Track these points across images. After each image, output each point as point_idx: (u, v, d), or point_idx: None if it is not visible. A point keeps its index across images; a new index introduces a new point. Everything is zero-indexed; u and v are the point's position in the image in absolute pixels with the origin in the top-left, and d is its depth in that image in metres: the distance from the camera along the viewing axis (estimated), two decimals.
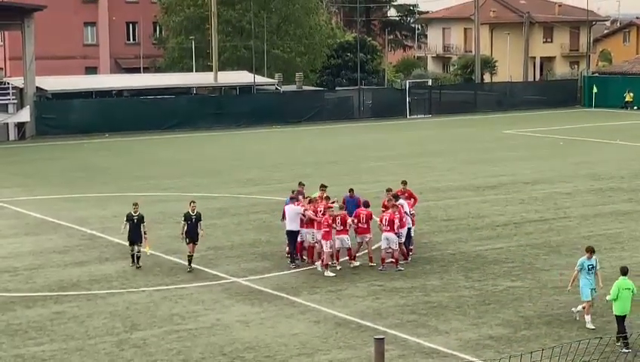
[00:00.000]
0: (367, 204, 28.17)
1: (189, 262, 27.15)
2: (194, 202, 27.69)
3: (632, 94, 79.48)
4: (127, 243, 27.95)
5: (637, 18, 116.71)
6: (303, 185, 30.05)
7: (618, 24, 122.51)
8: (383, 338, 11.62)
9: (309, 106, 72.74)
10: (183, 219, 27.40)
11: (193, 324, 22.29)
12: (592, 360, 17.64)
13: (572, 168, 46.25)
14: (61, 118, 64.02)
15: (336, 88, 79.19)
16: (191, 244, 27.06)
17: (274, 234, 31.31)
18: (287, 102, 72.23)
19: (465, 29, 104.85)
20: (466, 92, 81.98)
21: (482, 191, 40.08)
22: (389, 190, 28.96)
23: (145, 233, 27.47)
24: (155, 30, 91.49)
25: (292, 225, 27.49)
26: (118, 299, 24.55)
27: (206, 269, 27.33)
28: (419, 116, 75.27)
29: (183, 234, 27.27)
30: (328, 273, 26.45)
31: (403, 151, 54.27)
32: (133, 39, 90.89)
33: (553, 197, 38.15)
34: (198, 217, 27.26)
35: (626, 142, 56.90)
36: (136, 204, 27.88)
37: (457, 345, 20.58)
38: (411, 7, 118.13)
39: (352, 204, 28.44)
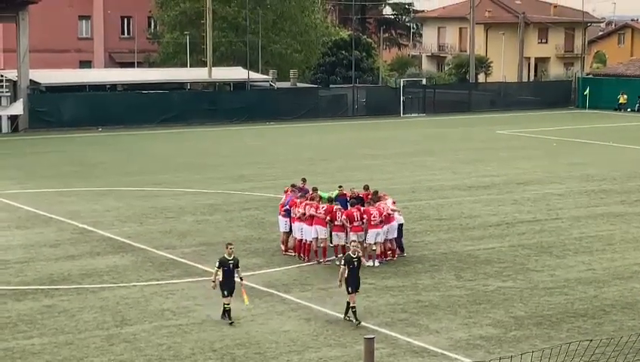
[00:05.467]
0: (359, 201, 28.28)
1: (354, 313, 22.09)
2: (355, 242, 23.66)
3: (625, 96, 79.58)
4: (219, 291, 22.26)
5: (632, 20, 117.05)
6: (305, 180, 30.26)
7: (613, 26, 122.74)
8: (373, 338, 11.58)
9: (303, 103, 72.69)
10: (343, 262, 22.38)
11: (184, 320, 22.23)
12: None
13: (565, 169, 46.28)
14: (54, 111, 63.91)
15: (331, 86, 79.18)
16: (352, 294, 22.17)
17: (266, 231, 31.31)
18: (281, 98, 72.18)
19: (460, 29, 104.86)
20: (460, 91, 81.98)
21: (475, 190, 40.08)
22: (367, 187, 29.38)
23: (241, 279, 22.46)
24: (149, 25, 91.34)
25: None
26: (109, 293, 24.49)
27: (197, 265, 27.27)
28: (412, 115, 75.30)
29: (340, 281, 22.34)
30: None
31: (396, 149, 54.24)
32: (128, 33, 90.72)
33: (546, 198, 38.16)
34: (359, 260, 22.48)
35: (619, 144, 56.97)
36: (230, 245, 22.69)
37: (448, 345, 20.56)
38: (407, 6, 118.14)
39: (343, 201, 28.50)
